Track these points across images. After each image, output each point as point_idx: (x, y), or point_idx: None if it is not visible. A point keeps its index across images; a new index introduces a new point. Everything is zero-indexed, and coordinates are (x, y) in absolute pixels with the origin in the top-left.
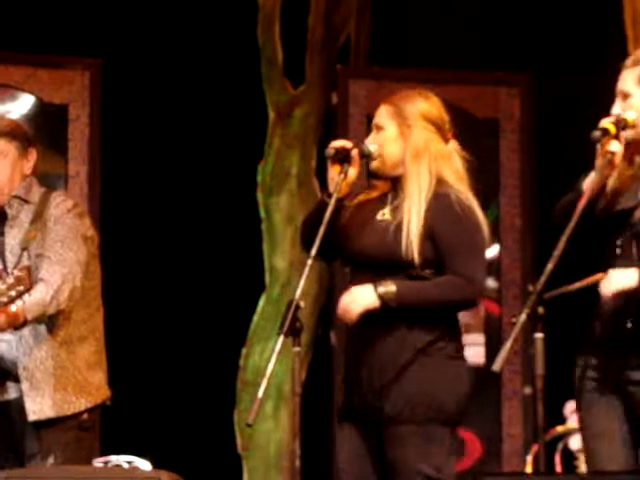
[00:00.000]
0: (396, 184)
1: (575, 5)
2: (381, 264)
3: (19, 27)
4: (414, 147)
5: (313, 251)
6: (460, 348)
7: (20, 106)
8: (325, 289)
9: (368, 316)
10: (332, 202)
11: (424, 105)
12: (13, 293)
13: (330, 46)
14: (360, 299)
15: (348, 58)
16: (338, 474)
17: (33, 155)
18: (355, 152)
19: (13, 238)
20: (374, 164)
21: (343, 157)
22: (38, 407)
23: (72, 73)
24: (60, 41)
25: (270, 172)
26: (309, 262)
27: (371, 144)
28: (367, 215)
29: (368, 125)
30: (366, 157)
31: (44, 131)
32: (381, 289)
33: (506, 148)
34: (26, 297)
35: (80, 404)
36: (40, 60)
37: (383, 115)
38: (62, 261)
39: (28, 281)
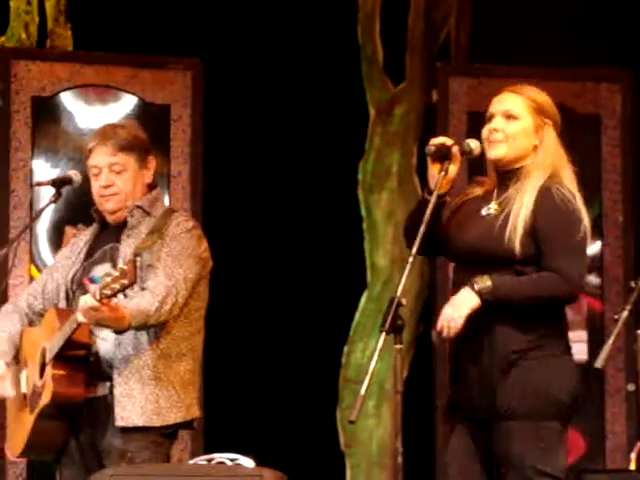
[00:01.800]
0: (506, 178)
1: None
2: (484, 258)
3: (121, 28)
4: (548, 146)
5: (414, 249)
6: (567, 344)
7: (122, 107)
8: (427, 286)
9: (473, 318)
10: (432, 199)
11: (552, 103)
12: (117, 286)
13: (430, 44)
14: (461, 304)
15: (448, 55)
16: (444, 470)
17: (153, 163)
18: (456, 149)
19: (129, 247)
20: (499, 151)
21: (443, 154)
22: (127, 414)
23: (174, 73)
24: (162, 41)
25: (371, 170)
26: (410, 259)
27: (472, 141)
28: (471, 211)
29: (469, 122)
30: (467, 154)
31: (146, 131)
32: (477, 285)
33: (608, 144)
34: (133, 303)
35: (169, 418)
36: (142, 61)
37: (519, 106)
38: (169, 274)
39: (133, 275)
